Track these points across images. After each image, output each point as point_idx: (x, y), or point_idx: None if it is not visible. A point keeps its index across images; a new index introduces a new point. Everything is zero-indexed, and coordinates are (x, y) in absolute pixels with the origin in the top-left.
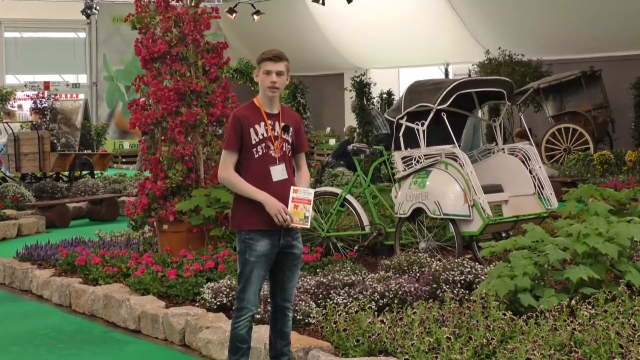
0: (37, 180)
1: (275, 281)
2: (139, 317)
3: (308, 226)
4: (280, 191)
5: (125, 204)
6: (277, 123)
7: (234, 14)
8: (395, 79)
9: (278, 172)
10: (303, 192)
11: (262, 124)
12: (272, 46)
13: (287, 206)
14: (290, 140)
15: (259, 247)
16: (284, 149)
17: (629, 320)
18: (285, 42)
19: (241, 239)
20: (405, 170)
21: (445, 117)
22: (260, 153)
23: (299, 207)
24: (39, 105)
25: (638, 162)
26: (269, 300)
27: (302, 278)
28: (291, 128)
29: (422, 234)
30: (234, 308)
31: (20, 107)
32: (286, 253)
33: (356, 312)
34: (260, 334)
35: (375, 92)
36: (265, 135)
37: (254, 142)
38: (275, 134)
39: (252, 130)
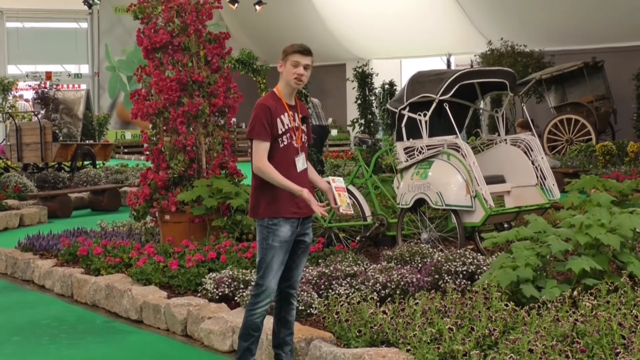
0: (39, 170)
1: (284, 267)
2: (140, 307)
3: (352, 212)
4: (303, 181)
5: (127, 194)
6: (296, 114)
7: (236, 4)
8: (398, 69)
9: (301, 162)
10: (338, 182)
11: (286, 114)
12: (275, 36)
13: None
14: (306, 131)
15: (282, 233)
16: (303, 140)
17: (631, 311)
18: (287, 33)
19: (264, 225)
20: (407, 160)
21: (447, 108)
22: (285, 143)
23: (341, 195)
24: (40, 96)
25: None
26: None
27: (305, 269)
28: (307, 119)
29: (424, 225)
30: (251, 294)
31: (21, 97)
32: (298, 241)
33: (358, 302)
34: (264, 324)
35: (377, 82)
36: (289, 125)
37: (280, 132)
38: (296, 124)
39: (278, 120)
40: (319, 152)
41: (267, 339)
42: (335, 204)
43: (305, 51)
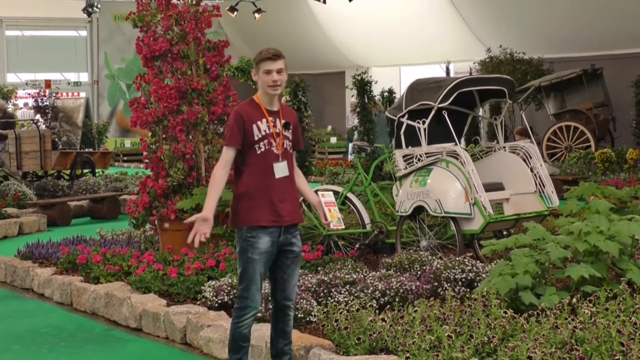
0: (38, 178)
1: (276, 280)
2: (140, 316)
3: (343, 226)
4: (281, 187)
5: (126, 202)
6: (277, 120)
7: (235, 12)
8: (397, 77)
9: (280, 169)
10: (328, 196)
11: (264, 120)
12: (274, 44)
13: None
14: (290, 137)
15: (261, 245)
16: (285, 146)
17: (630, 318)
18: (286, 40)
19: (243, 237)
20: (406, 168)
21: (446, 115)
22: (262, 149)
23: (331, 210)
24: (39, 104)
25: (639, 160)
26: (269, 298)
27: (304, 276)
28: (291, 125)
29: (423, 232)
30: (236, 307)
31: (26, 105)
32: (285, 251)
33: (357, 310)
34: (262, 332)
35: (376, 90)
36: (267, 131)
37: (256, 138)
38: (277, 130)
39: (254, 126)
40: None
41: (266, 346)
42: (326, 219)
43: (275, 56)
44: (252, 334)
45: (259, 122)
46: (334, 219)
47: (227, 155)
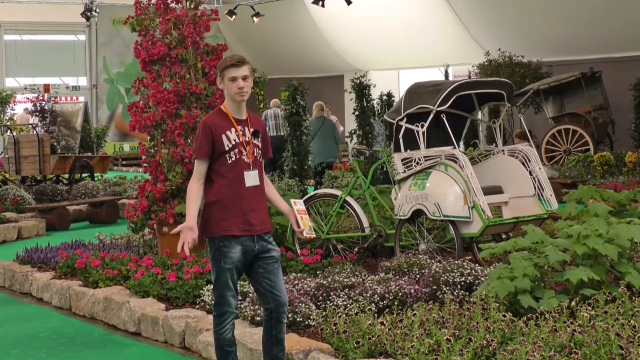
0: (37, 182)
1: (264, 288)
2: (139, 320)
3: (314, 235)
4: (251, 196)
5: (125, 206)
6: (246, 128)
7: (234, 16)
8: (395, 80)
9: (251, 178)
10: (299, 204)
11: (233, 129)
12: (272, 48)
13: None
14: (260, 145)
15: (232, 254)
16: (255, 154)
17: (629, 321)
18: (284, 44)
19: (215, 246)
20: (405, 171)
21: (445, 119)
22: (233, 159)
23: (304, 218)
24: (38, 107)
25: (638, 163)
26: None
27: (302, 280)
28: (260, 133)
29: (422, 236)
30: (215, 314)
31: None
32: (264, 257)
33: (356, 314)
34: (260, 336)
35: (375, 94)
36: (237, 140)
37: (227, 148)
38: (247, 139)
39: (223, 136)
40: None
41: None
42: (299, 227)
43: (239, 62)
44: (251, 338)
45: (228, 132)
46: (306, 227)
47: (200, 168)
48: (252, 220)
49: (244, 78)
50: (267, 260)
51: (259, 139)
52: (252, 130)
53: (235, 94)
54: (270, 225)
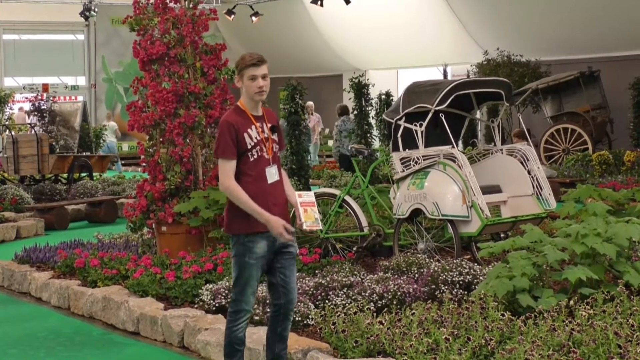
0: (35, 182)
1: (278, 283)
2: (137, 319)
3: (320, 227)
4: (274, 192)
5: (124, 205)
6: (264, 125)
7: (232, 16)
8: (394, 80)
9: (272, 174)
10: (306, 196)
11: (253, 127)
12: (271, 47)
13: (283, 213)
14: (277, 140)
15: (258, 249)
16: (274, 150)
17: (628, 320)
18: (283, 44)
19: (240, 241)
20: (403, 171)
21: (443, 118)
22: (255, 156)
23: (308, 210)
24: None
25: (636, 162)
26: (267, 302)
27: (301, 279)
28: (276, 127)
29: (421, 235)
30: (230, 311)
31: (21, 109)
32: (283, 253)
33: (355, 313)
34: (259, 336)
35: (373, 93)
36: (258, 138)
37: (249, 146)
38: (265, 135)
39: (245, 134)
40: None
41: (263, 349)
42: (300, 220)
43: (259, 62)
44: (249, 337)
45: (249, 130)
46: (310, 220)
47: (228, 166)
48: (275, 215)
49: (264, 77)
50: (285, 256)
51: (276, 133)
52: (269, 125)
53: (255, 93)
54: (289, 218)
